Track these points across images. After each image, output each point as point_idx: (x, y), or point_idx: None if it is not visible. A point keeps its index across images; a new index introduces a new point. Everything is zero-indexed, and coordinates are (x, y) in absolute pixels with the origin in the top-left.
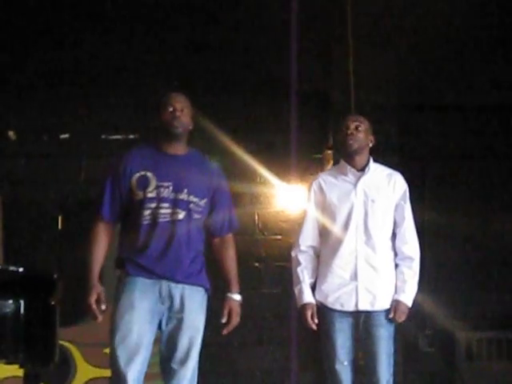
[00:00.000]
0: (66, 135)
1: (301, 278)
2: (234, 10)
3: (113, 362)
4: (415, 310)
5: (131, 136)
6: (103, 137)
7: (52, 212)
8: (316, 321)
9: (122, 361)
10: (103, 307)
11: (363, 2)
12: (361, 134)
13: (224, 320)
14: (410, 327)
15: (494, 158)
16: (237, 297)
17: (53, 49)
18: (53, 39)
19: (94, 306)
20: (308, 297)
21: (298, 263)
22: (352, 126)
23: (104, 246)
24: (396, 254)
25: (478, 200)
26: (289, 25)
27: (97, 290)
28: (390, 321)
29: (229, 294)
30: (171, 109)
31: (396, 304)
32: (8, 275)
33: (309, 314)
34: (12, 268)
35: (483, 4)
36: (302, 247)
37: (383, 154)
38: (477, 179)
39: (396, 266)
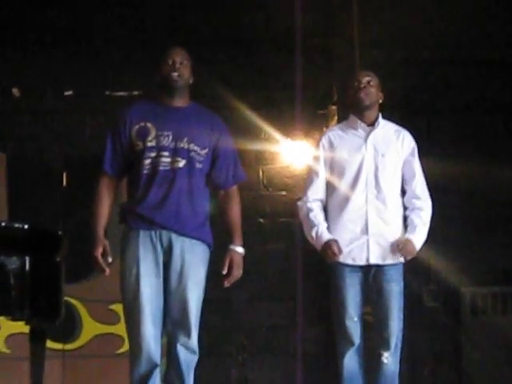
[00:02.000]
0: (70, 92)
1: (315, 222)
2: None
3: (127, 319)
4: (420, 264)
5: (135, 92)
6: (107, 93)
7: (57, 169)
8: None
9: (135, 316)
10: (109, 260)
11: None
12: (373, 88)
13: (225, 271)
14: (415, 282)
15: (499, 112)
16: (239, 249)
17: (56, 7)
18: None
19: (100, 259)
20: (328, 234)
21: (310, 210)
22: (364, 81)
23: (109, 201)
24: (406, 208)
25: (483, 154)
26: None
27: (102, 243)
28: (400, 275)
29: (231, 246)
30: (171, 61)
31: (405, 241)
32: (13, 232)
33: (335, 248)
34: (17, 225)
35: None
36: (311, 199)
37: (388, 110)
38: (482, 133)
39: (405, 219)
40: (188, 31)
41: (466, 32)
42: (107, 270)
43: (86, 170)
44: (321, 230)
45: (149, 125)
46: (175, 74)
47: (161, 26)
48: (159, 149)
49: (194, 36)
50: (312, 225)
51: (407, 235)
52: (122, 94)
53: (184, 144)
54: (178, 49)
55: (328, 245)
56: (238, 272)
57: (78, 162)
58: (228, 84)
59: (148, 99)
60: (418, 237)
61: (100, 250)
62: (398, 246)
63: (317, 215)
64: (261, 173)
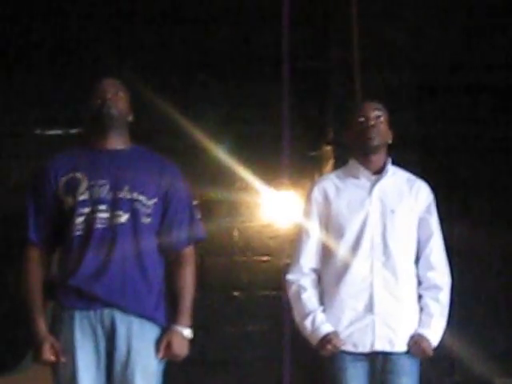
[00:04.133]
0: None
1: (310, 307)
2: None
3: None
4: (440, 350)
5: (72, 131)
6: (38, 132)
7: None
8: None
9: None
10: (63, 360)
11: None
12: (383, 125)
13: (160, 355)
14: (434, 372)
15: None
16: (184, 331)
17: None
18: None
19: (53, 359)
20: (328, 326)
21: (303, 289)
22: (372, 116)
23: (40, 278)
24: (420, 283)
25: None
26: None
27: (48, 343)
28: (414, 366)
29: (173, 325)
30: (100, 92)
31: (418, 338)
32: None
33: (337, 342)
34: None
35: None
36: (305, 269)
37: (399, 151)
38: None
39: (420, 297)
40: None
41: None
42: (62, 360)
43: (10, 234)
44: (318, 321)
45: (79, 175)
46: (107, 106)
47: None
48: (94, 202)
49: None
50: (306, 311)
51: (421, 330)
52: (57, 132)
53: (125, 194)
54: (110, 79)
55: (327, 340)
56: (178, 354)
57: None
58: (195, 118)
59: (77, 145)
60: (436, 330)
61: (50, 352)
62: (410, 344)
63: (311, 297)
64: (236, 232)
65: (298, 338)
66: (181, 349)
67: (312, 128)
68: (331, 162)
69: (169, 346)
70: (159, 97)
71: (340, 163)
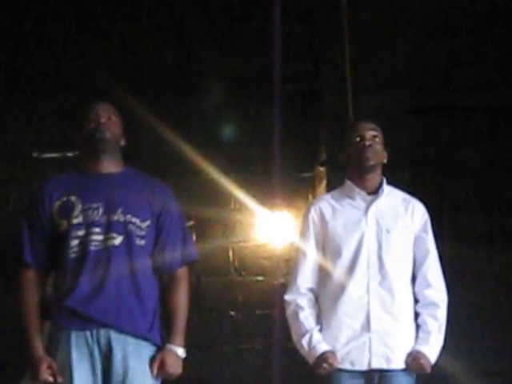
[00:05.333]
0: None
1: (307, 327)
2: None
3: None
4: (437, 369)
5: (69, 154)
6: (34, 155)
7: None
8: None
9: None
10: (60, 380)
11: None
12: (379, 146)
13: (155, 374)
14: None
15: None
16: (177, 350)
17: None
18: None
19: (51, 380)
20: (324, 345)
21: (300, 309)
22: (369, 135)
23: (36, 299)
24: (417, 300)
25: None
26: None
27: (45, 363)
28: (411, 383)
29: (168, 345)
30: (93, 116)
31: (417, 355)
32: None
33: (333, 361)
34: None
35: None
36: (302, 289)
37: (392, 171)
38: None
39: (417, 314)
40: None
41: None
42: (59, 380)
43: (7, 256)
44: (315, 340)
45: (73, 198)
46: (100, 131)
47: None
48: (88, 225)
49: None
50: (303, 330)
51: (419, 347)
52: (54, 155)
53: (119, 216)
54: (103, 103)
55: (324, 358)
56: (171, 373)
57: None
58: (189, 140)
59: (70, 170)
60: (434, 347)
61: (47, 373)
62: (408, 361)
63: (308, 317)
64: (231, 252)
65: (291, 354)
66: (175, 367)
67: (305, 149)
68: (324, 183)
69: (163, 364)
70: (152, 120)
71: (333, 184)
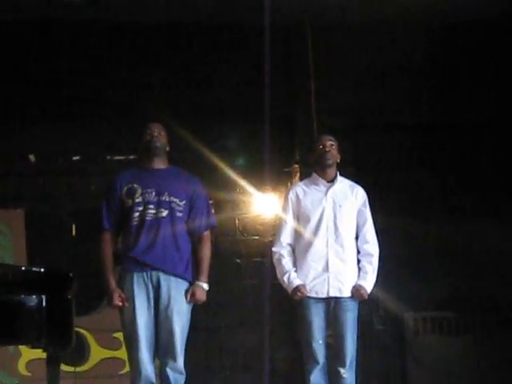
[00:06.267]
0: (78, 157)
1: (287, 268)
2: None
3: (127, 346)
4: (371, 295)
5: (131, 157)
6: (108, 158)
7: (67, 222)
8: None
9: (133, 343)
10: (126, 305)
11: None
12: (334, 150)
13: (188, 299)
14: (366, 309)
15: (431, 170)
16: (203, 285)
17: (68, 89)
18: (66, 82)
19: (120, 304)
20: (298, 280)
21: (282, 256)
22: (328, 144)
23: (111, 251)
24: (359, 252)
25: (418, 204)
26: (262, 63)
27: (117, 293)
28: (355, 306)
29: (196, 282)
30: (149, 131)
31: (358, 287)
32: (32, 275)
33: (304, 291)
34: (35, 269)
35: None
36: (284, 244)
37: (343, 167)
38: (417, 187)
39: (359, 261)
40: (171, 108)
41: (406, 99)
42: (126, 304)
43: (91, 223)
44: (292, 276)
45: (135, 185)
46: (153, 142)
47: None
48: (145, 203)
49: (178, 112)
50: (284, 271)
51: (360, 281)
52: (120, 157)
53: (165, 197)
54: (155, 123)
55: (297, 289)
56: (199, 299)
57: (84, 217)
58: (210, 149)
59: (133, 166)
60: (369, 282)
61: (119, 299)
62: (352, 291)
63: (288, 262)
64: (237, 221)
65: (277, 288)
66: (201, 296)
67: (286, 153)
68: (298, 175)
69: (193, 294)
70: (184, 134)
71: (303, 176)
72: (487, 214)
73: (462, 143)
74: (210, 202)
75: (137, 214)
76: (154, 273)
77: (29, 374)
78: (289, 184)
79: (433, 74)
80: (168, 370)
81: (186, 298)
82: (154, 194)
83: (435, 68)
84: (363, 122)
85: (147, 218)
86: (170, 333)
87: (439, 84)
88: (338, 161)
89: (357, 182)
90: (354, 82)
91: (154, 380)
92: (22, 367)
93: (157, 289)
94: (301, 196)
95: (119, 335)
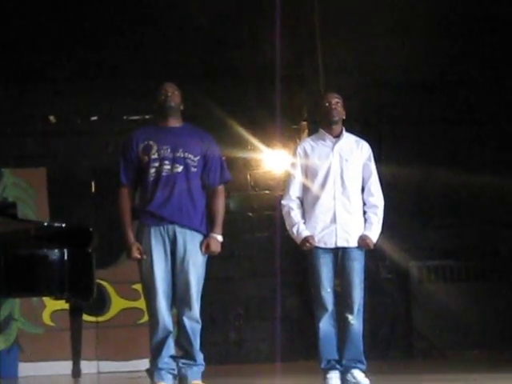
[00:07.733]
0: (95, 117)
1: (296, 220)
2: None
3: (145, 296)
4: (377, 245)
5: (147, 116)
6: (125, 117)
7: (86, 179)
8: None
9: (151, 294)
10: (144, 257)
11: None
12: (340, 107)
13: (203, 250)
14: (373, 259)
15: (435, 124)
16: (218, 236)
17: (85, 51)
18: (84, 44)
19: (139, 257)
20: (306, 231)
21: (291, 209)
22: (334, 101)
23: (129, 206)
24: (364, 204)
25: (423, 158)
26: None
27: (136, 246)
28: (361, 256)
29: (211, 234)
30: (163, 91)
31: (364, 237)
32: (54, 229)
33: (312, 241)
34: (57, 224)
35: None
36: (293, 197)
37: (349, 123)
38: (421, 141)
39: (364, 213)
40: (184, 69)
41: (411, 57)
42: (144, 257)
43: (110, 179)
44: (301, 228)
45: (151, 142)
46: (168, 100)
47: (165, 65)
48: (161, 159)
49: (191, 72)
50: (293, 222)
51: (366, 232)
52: (137, 117)
53: (180, 154)
54: (169, 83)
55: (306, 239)
56: (214, 251)
57: (103, 174)
58: (224, 108)
59: (149, 124)
60: (374, 233)
61: (137, 252)
62: (359, 241)
63: (297, 214)
64: (248, 176)
65: (287, 240)
66: (215, 248)
67: (294, 111)
68: (306, 132)
69: (208, 246)
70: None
71: (311, 132)
72: (494, 166)
73: (469, 99)
74: (223, 158)
75: (153, 170)
76: (170, 226)
77: (53, 324)
78: (297, 140)
79: (440, 34)
80: (185, 318)
81: (201, 249)
82: (169, 150)
83: (441, 28)
84: (369, 81)
85: (163, 174)
86: (186, 283)
87: (448, 43)
88: (344, 117)
89: (362, 137)
90: (360, 41)
91: (171, 328)
92: (46, 317)
93: (173, 241)
94: (309, 151)
95: (138, 286)
